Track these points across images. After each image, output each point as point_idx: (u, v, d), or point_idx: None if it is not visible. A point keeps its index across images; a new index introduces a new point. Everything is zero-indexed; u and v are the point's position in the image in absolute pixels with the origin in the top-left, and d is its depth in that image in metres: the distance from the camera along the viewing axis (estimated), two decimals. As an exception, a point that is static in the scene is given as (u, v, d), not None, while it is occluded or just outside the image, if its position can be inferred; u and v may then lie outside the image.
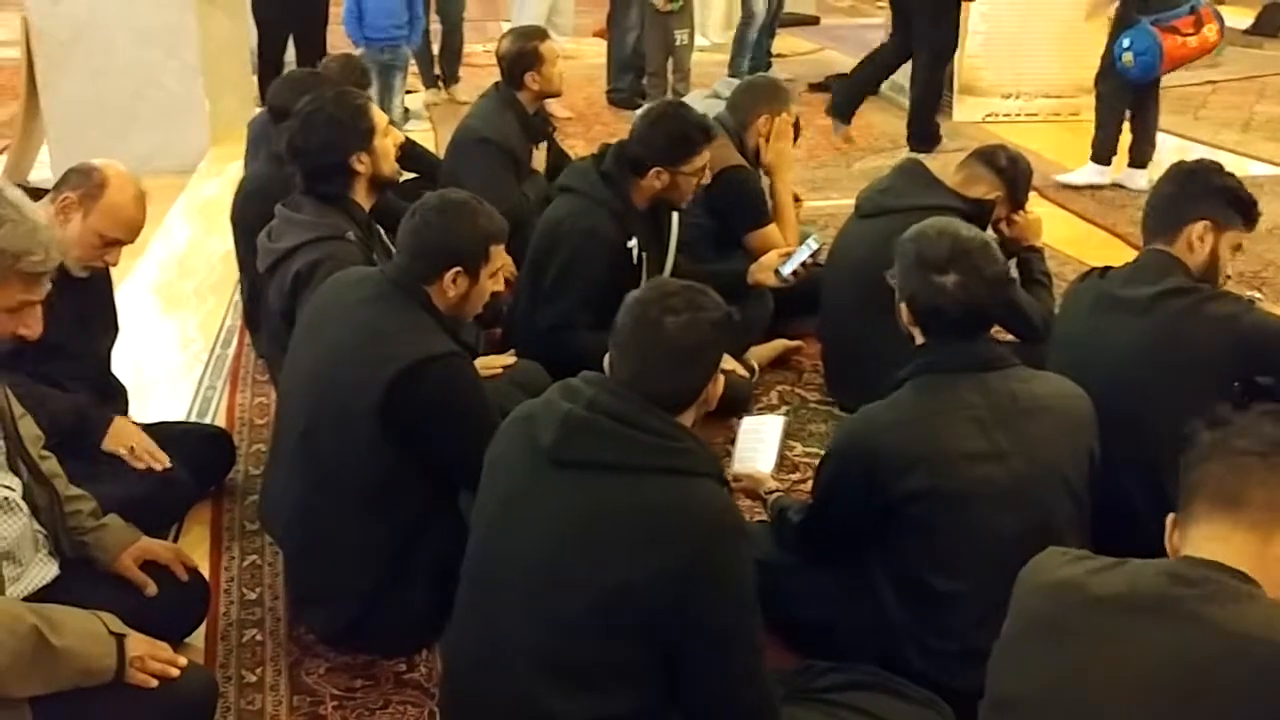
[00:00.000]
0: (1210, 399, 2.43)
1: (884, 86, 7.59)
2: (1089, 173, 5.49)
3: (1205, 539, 1.43)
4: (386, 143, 2.86)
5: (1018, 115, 6.83)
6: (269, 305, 2.90)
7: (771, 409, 3.35)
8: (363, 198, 2.87)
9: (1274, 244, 4.78)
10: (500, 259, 2.37)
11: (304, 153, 2.80)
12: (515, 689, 1.77)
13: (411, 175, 4.17)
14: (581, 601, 1.72)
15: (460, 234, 2.29)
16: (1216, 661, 1.34)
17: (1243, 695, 1.32)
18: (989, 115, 6.82)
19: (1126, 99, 5.36)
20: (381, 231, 2.92)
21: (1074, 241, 4.79)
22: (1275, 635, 1.33)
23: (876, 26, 8.63)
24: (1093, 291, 2.60)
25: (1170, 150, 5.95)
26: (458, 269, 2.28)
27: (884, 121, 6.98)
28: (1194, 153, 5.19)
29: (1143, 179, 5.36)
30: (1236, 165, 4.54)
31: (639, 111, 3.55)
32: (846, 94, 6.44)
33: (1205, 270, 2.53)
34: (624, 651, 1.73)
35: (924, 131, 6.26)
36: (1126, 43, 5.01)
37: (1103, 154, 5.46)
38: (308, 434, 2.32)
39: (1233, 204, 2.54)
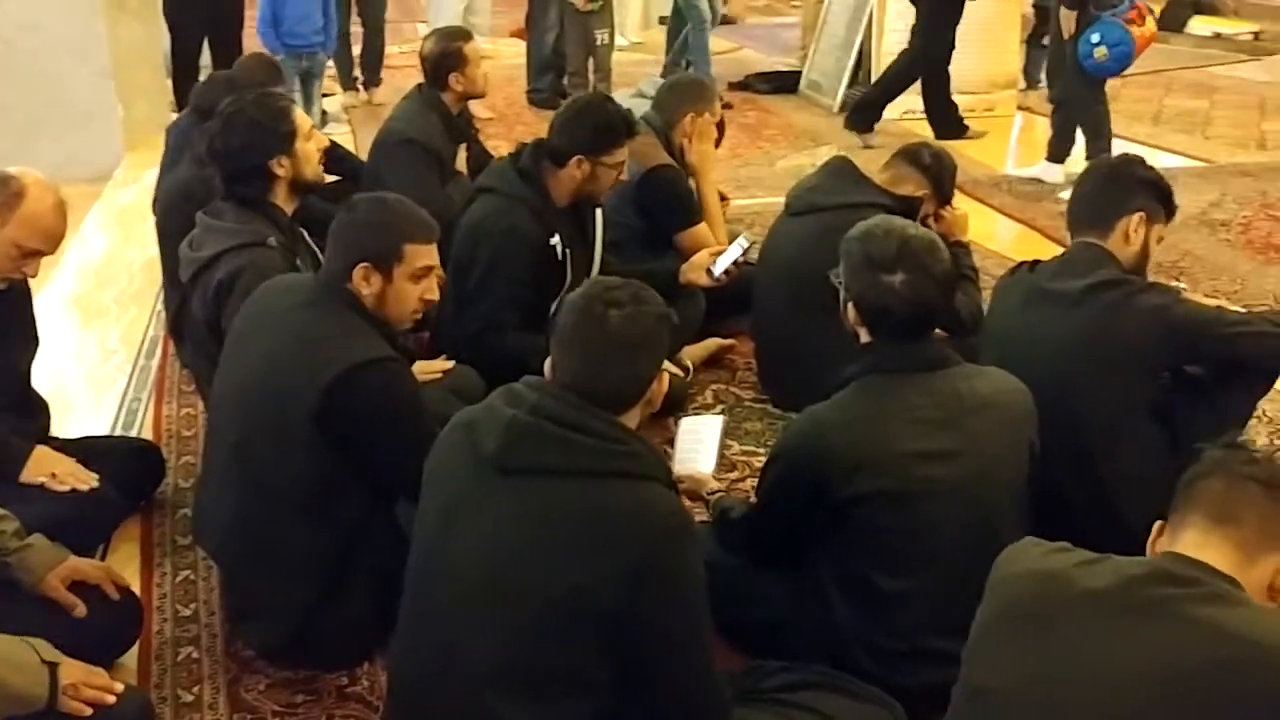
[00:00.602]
0: (1142, 389, 2.53)
1: (802, 85, 7.68)
2: (1044, 172, 5.60)
3: (1194, 546, 1.46)
4: (309, 146, 2.81)
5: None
6: (192, 314, 2.83)
7: (707, 408, 3.36)
8: (284, 201, 2.81)
9: (1188, 234, 4.92)
10: (420, 260, 2.29)
11: (223, 155, 2.75)
12: (465, 700, 1.75)
13: (334, 178, 4.11)
14: (532, 609, 1.70)
15: (373, 229, 2.26)
16: (1209, 663, 1.35)
17: (1235, 697, 1.33)
18: (907, 112, 6.89)
19: (1097, 97, 5.38)
20: (306, 236, 2.86)
21: (992, 236, 4.88)
22: (1267, 638, 1.35)
23: (792, 25, 8.72)
24: (1023, 286, 2.63)
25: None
26: (366, 264, 2.23)
27: (805, 120, 7.06)
28: (1115, 147, 5.29)
29: (1060, 173, 5.48)
30: (1149, 157, 4.64)
31: (561, 107, 3.54)
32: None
33: (1136, 262, 2.58)
34: (576, 658, 1.72)
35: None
36: (1096, 38, 5.02)
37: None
38: (241, 444, 2.27)
39: (1159, 196, 2.60)
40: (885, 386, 2.13)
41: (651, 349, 1.84)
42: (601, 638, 1.70)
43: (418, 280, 2.29)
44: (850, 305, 2.20)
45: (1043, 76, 7.36)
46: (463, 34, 4.20)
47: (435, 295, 2.37)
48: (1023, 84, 7.32)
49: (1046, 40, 7.27)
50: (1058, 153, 5.59)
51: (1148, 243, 2.57)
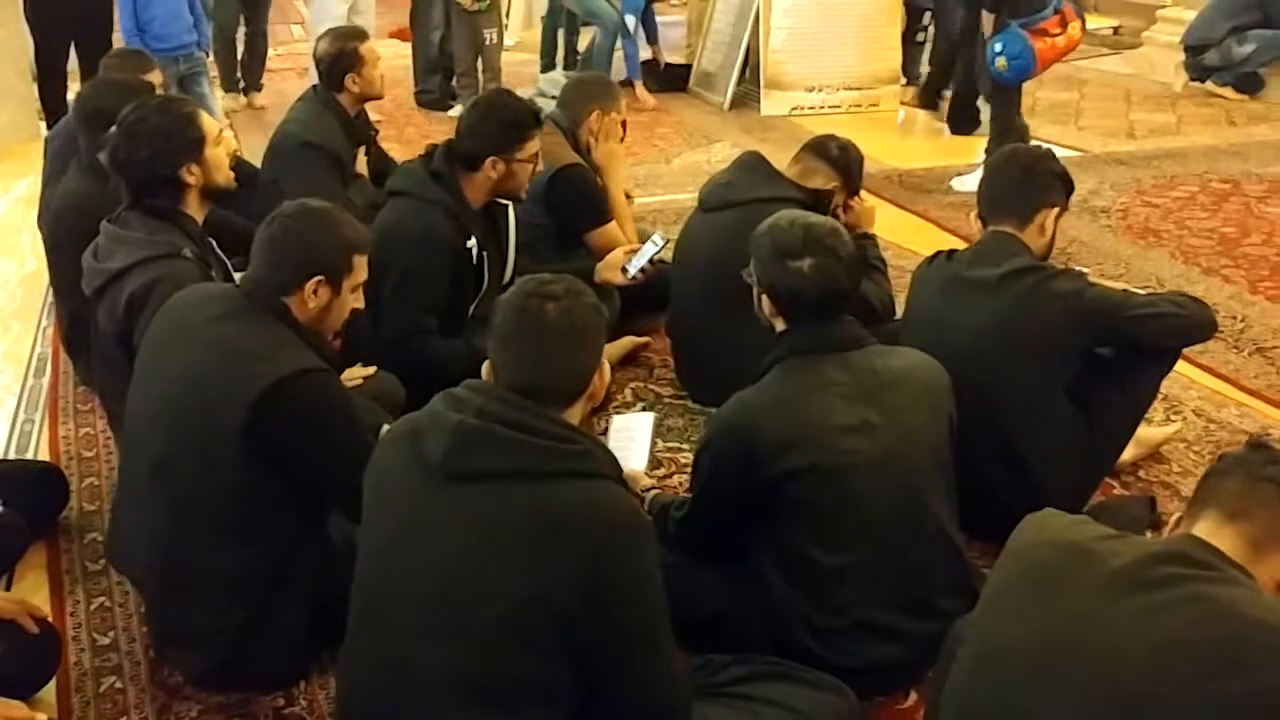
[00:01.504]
0: (1056, 370, 2.61)
1: (692, 82, 7.73)
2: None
3: (1206, 534, 1.51)
4: (219, 152, 2.70)
5: (822, 107, 7.05)
6: (98, 329, 2.70)
7: (628, 406, 3.35)
8: (195, 210, 2.70)
9: (1072, 221, 5.06)
10: (362, 271, 2.28)
11: (129, 165, 2.62)
12: (425, 711, 1.71)
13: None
14: (491, 616, 1.67)
15: (323, 242, 2.20)
16: (1217, 638, 1.39)
17: (1242, 672, 1.37)
18: (795, 108, 7.01)
19: (1009, 99, 5.44)
20: (215, 246, 2.76)
21: (888, 228, 4.95)
22: (1275, 619, 1.39)
23: (676, 23, 8.77)
24: (941, 274, 2.70)
25: (974, 138, 6.26)
26: (319, 278, 2.18)
27: (697, 118, 7.10)
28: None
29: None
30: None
31: (464, 107, 3.47)
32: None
33: (1045, 251, 2.69)
34: (537, 663, 1.69)
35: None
36: (999, 47, 5.09)
37: None
38: (163, 464, 2.18)
39: (1067, 190, 2.72)
40: (805, 366, 2.19)
41: (591, 339, 1.83)
42: (562, 640, 1.68)
43: (355, 290, 2.24)
44: (764, 297, 2.27)
45: (920, 72, 7.56)
46: (359, 34, 4.10)
47: (362, 303, 2.32)
48: (903, 80, 7.48)
49: (920, 38, 7.49)
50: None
51: (1054, 234, 2.69)
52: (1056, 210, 2.64)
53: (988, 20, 5.28)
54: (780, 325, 2.26)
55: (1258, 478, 1.54)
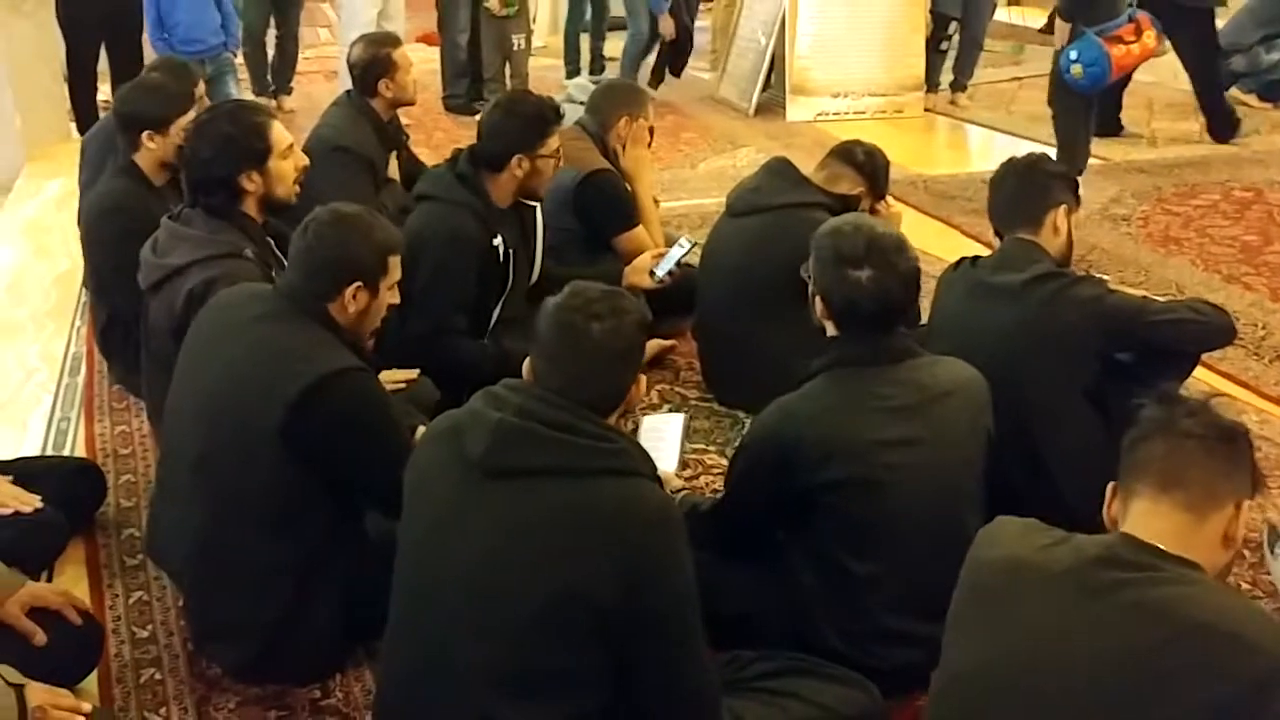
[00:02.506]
0: (1077, 374, 2.64)
1: (718, 89, 7.75)
2: None
3: (1144, 515, 1.51)
4: (285, 165, 2.76)
5: (847, 113, 7.08)
6: (151, 323, 2.76)
7: (654, 408, 3.38)
8: (255, 214, 2.76)
9: (1093, 229, 5.10)
10: (397, 271, 2.33)
11: (192, 163, 2.70)
12: (463, 702, 1.75)
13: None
14: (529, 609, 1.71)
15: (359, 249, 2.25)
16: (1160, 643, 1.39)
17: (1187, 676, 1.37)
18: (820, 114, 7.04)
19: (1085, 110, 5.40)
20: (274, 246, 2.81)
21: (914, 232, 4.97)
22: (1224, 622, 1.39)
23: (701, 29, 8.80)
24: (965, 280, 2.73)
25: (998, 144, 6.30)
26: (358, 284, 2.24)
27: (722, 123, 7.14)
28: (1019, 146, 5.45)
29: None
30: (1054, 156, 4.84)
31: (481, 110, 3.51)
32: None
33: (1064, 251, 2.73)
34: (572, 655, 1.73)
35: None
36: (1074, 54, 5.03)
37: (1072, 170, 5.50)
38: (203, 460, 2.23)
39: (1071, 188, 2.76)
40: (853, 378, 2.20)
41: (632, 359, 1.88)
42: (597, 633, 1.72)
43: (392, 289, 2.29)
44: (818, 299, 2.26)
45: (942, 79, 7.58)
46: (392, 40, 4.16)
47: (397, 299, 2.37)
48: (926, 87, 7.49)
49: (945, 45, 7.51)
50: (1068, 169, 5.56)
51: (1070, 231, 2.72)
52: (1064, 208, 2.67)
53: (1062, 28, 5.20)
54: (831, 330, 2.27)
55: (1178, 435, 1.51)
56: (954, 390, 2.23)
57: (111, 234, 3.16)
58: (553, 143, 3.20)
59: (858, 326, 2.21)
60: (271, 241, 2.81)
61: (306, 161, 2.89)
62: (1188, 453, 1.50)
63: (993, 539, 1.63)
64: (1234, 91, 7.49)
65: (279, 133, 2.78)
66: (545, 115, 3.19)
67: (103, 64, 6.37)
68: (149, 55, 6.01)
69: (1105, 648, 1.41)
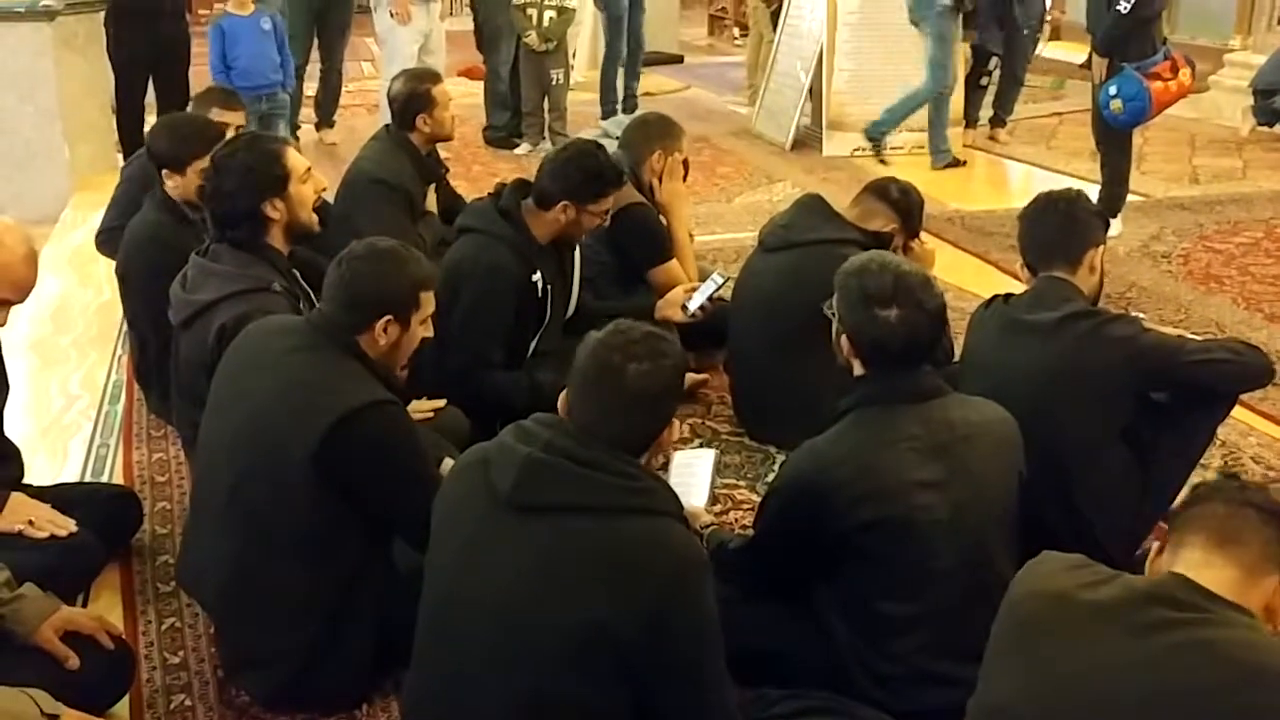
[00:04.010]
0: (1112, 414, 2.62)
1: (753, 123, 7.78)
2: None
3: (1196, 565, 1.50)
4: (305, 189, 2.79)
5: (884, 149, 7.07)
6: (182, 359, 2.78)
7: (685, 442, 3.38)
8: (280, 245, 2.80)
9: (1132, 266, 5.07)
10: (430, 305, 2.35)
11: (215, 197, 2.73)
12: (486, 737, 1.76)
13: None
14: (554, 645, 1.71)
15: (391, 283, 2.27)
16: (1207, 684, 1.38)
17: (1233, 718, 1.36)
18: (857, 149, 7.05)
19: (1129, 146, 5.37)
20: (300, 278, 2.85)
21: (949, 269, 4.97)
22: (1267, 661, 1.38)
23: (737, 64, 8.85)
24: (999, 317, 2.71)
25: (1038, 180, 6.26)
26: (389, 318, 2.26)
27: (757, 157, 7.16)
28: (1058, 182, 5.42)
29: (1116, 226, 5.33)
30: (1094, 193, 4.82)
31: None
32: None
33: (1096, 291, 2.71)
34: (595, 691, 1.73)
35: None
36: (1114, 90, 5.02)
37: (1112, 207, 5.35)
38: (237, 489, 2.25)
39: (1105, 226, 2.76)
40: (881, 417, 2.18)
41: (665, 404, 1.89)
42: (620, 671, 1.72)
43: (424, 323, 2.32)
44: (844, 338, 2.24)
45: (981, 115, 7.57)
46: (432, 76, 4.21)
47: (431, 333, 2.39)
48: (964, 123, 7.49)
49: (984, 81, 7.51)
50: (1110, 206, 5.37)
51: (1103, 269, 2.72)
52: (1102, 248, 2.67)
53: (1099, 65, 5.18)
54: (858, 369, 2.25)
55: (1240, 503, 1.54)
56: (984, 429, 2.21)
57: (146, 266, 3.21)
58: (605, 204, 3.23)
59: (886, 365, 2.19)
60: (297, 273, 2.84)
61: (325, 185, 2.91)
62: (1247, 518, 1.53)
63: (1037, 573, 1.62)
64: (1278, 129, 7.44)
65: (295, 157, 2.81)
66: (607, 175, 3.22)
67: (150, 97, 6.52)
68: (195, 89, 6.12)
69: (1157, 687, 1.40)
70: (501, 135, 7.28)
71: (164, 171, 3.32)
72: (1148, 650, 1.42)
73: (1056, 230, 2.70)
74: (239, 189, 2.71)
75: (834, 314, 2.27)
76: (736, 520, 2.98)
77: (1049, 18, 7.46)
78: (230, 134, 3.40)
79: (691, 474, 2.65)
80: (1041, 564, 1.63)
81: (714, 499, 3.04)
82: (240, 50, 5.98)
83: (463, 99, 8.15)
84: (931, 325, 2.20)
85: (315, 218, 2.84)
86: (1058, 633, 1.50)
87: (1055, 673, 1.48)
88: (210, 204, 2.74)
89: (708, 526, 2.54)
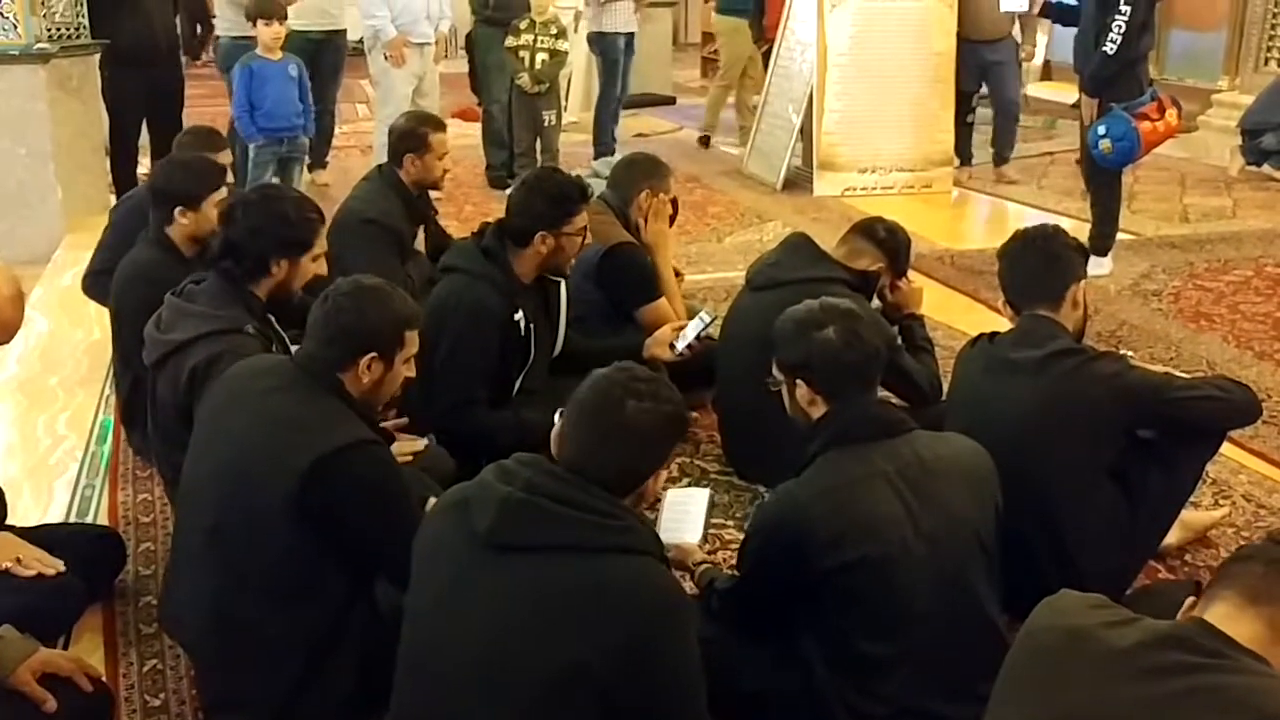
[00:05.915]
0: (1098, 451, 2.62)
1: (744, 164, 7.82)
2: (1092, 266, 5.52)
3: (1224, 617, 1.49)
4: (311, 267, 2.83)
5: (874, 189, 7.11)
6: (159, 399, 2.79)
7: (674, 481, 3.37)
8: (263, 294, 2.82)
9: (1123, 304, 5.08)
10: (414, 344, 2.35)
11: (238, 225, 2.76)
12: (465, 779, 1.73)
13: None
14: (533, 684, 1.70)
15: (375, 320, 2.27)
16: None
17: None
18: (848, 189, 7.08)
19: (1118, 185, 5.41)
20: (275, 322, 2.85)
21: (939, 308, 4.98)
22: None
23: (728, 105, 8.90)
24: (984, 356, 2.72)
25: (1029, 219, 6.29)
26: (373, 355, 2.26)
27: (748, 198, 7.20)
28: (1049, 221, 5.43)
29: (1107, 264, 5.41)
30: (1081, 231, 4.83)
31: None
32: None
33: (1080, 326, 2.72)
34: (574, 733, 1.72)
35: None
36: (1102, 130, 5.06)
37: (1103, 246, 5.43)
38: (217, 530, 2.24)
39: (1085, 259, 2.79)
40: (850, 455, 2.17)
41: (656, 448, 1.89)
42: (600, 710, 1.71)
43: (408, 362, 2.31)
44: (798, 384, 2.26)
45: (976, 153, 7.63)
46: (435, 122, 4.20)
47: (414, 372, 2.39)
48: (957, 161, 7.54)
49: (970, 119, 7.58)
50: (1100, 245, 5.45)
51: (1086, 304, 2.74)
52: (1083, 282, 2.69)
53: (1089, 105, 5.24)
54: (819, 409, 2.25)
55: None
56: (953, 462, 2.22)
57: (137, 303, 3.22)
58: (578, 221, 3.24)
59: (844, 388, 2.21)
60: (273, 318, 2.86)
61: (324, 273, 2.93)
62: None
63: (1057, 607, 1.61)
64: (1266, 169, 7.48)
65: (321, 236, 2.86)
66: (570, 194, 3.23)
67: (143, 139, 6.56)
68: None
69: None
70: (498, 175, 7.30)
71: (178, 210, 3.34)
72: (1158, 693, 1.41)
73: (1037, 268, 2.71)
74: (263, 230, 2.74)
75: (778, 379, 2.31)
76: (726, 560, 2.96)
77: (1022, 54, 7.52)
78: None
79: (685, 512, 2.65)
80: (1062, 599, 1.62)
81: (706, 538, 3.03)
82: (267, 92, 5.97)
83: (457, 140, 8.19)
84: (874, 333, 2.25)
85: (300, 293, 2.86)
86: (1071, 668, 1.49)
87: (1064, 707, 1.47)
88: (229, 226, 2.74)
89: (700, 564, 2.53)
